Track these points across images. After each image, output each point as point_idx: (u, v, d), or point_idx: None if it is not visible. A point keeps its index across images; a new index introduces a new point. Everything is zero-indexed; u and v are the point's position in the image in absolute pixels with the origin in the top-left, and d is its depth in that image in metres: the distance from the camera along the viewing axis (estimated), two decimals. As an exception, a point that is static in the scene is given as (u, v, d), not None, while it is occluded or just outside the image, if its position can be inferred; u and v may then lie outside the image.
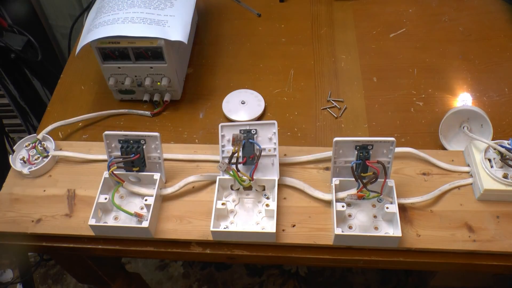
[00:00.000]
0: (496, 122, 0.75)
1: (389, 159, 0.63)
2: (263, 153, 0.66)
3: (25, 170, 0.71)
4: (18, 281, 1.34)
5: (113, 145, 0.67)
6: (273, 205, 0.64)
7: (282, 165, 0.69)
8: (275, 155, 0.66)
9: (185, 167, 0.71)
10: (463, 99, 0.83)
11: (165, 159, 0.70)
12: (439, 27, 0.95)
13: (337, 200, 0.63)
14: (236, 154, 0.62)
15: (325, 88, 0.85)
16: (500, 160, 0.65)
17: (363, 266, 0.65)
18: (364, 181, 0.62)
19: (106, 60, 0.78)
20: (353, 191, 0.63)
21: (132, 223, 0.65)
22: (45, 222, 0.67)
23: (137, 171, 0.67)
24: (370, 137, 0.64)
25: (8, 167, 0.72)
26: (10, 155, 0.73)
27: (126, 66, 0.78)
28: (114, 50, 0.76)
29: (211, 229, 0.61)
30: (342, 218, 0.64)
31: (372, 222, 0.64)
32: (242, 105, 0.81)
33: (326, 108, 0.82)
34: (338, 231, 0.60)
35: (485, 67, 0.87)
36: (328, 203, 0.66)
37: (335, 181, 0.64)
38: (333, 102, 0.83)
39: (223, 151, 0.67)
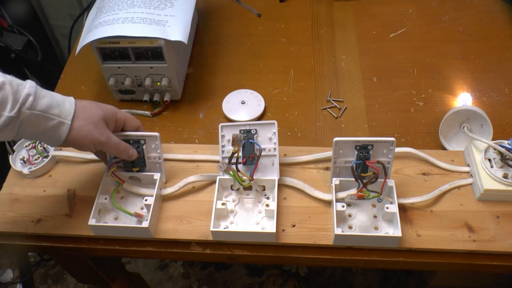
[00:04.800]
0: (496, 122, 0.75)
1: (389, 159, 0.63)
2: (263, 153, 0.66)
3: (25, 170, 0.71)
4: (18, 281, 1.34)
5: (113, 145, 0.67)
6: (273, 205, 0.64)
7: (282, 165, 0.69)
8: (275, 155, 0.66)
9: (185, 167, 0.71)
10: (463, 99, 0.83)
11: (165, 159, 0.70)
12: (439, 27, 0.95)
13: (337, 200, 0.63)
14: (236, 154, 0.62)
15: (325, 88, 0.85)
16: (500, 160, 0.65)
17: (363, 266, 0.65)
18: (364, 181, 0.62)
19: (106, 60, 0.78)
20: (353, 191, 0.63)
21: (132, 223, 0.65)
22: (45, 222, 0.67)
23: (137, 171, 0.67)
24: (370, 137, 0.64)
25: (8, 167, 0.72)
26: (10, 155, 0.73)
27: (126, 66, 0.78)
28: (114, 50, 0.76)
29: (211, 229, 0.61)
30: (342, 218, 0.64)
31: (372, 222, 0.64)
32: (242, 105, 0.81)
33: (326, 108, 0.82)
34: (338, 231, 0.60)
35: (485, 67, 0.87)
36: (328, 203, 0.66)
37: (335, 181, 0.64)
38: (333, 102, 0.83)
39: (223, 151, 0.67)
